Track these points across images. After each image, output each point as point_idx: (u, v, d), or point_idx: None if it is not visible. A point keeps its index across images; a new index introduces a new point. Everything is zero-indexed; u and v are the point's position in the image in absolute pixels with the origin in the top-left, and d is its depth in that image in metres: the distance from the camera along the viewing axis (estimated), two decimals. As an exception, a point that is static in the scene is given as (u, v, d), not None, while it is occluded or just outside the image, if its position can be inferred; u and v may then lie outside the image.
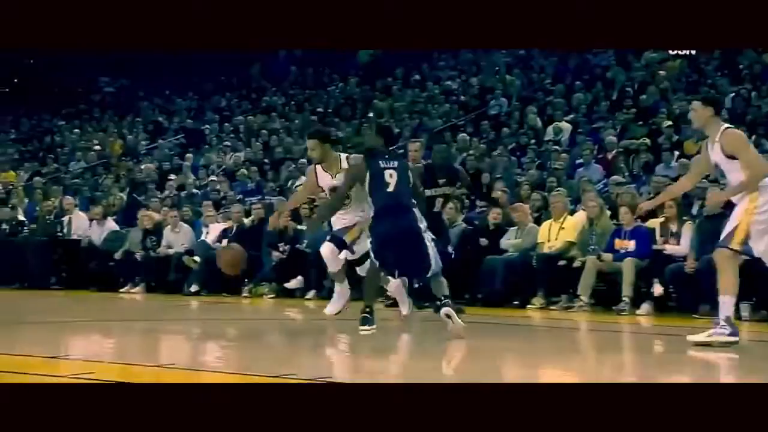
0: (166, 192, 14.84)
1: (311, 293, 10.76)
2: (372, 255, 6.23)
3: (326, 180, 6.61)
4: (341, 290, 6.77)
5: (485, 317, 8.42)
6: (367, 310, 6.16)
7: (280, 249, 11.20)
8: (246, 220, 11.91)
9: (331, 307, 6.80)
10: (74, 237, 13.20)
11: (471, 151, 13.75)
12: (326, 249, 6.57)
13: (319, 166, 6.64)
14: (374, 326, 6.12)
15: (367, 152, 6.66)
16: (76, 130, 21.91)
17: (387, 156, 6.50)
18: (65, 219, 13.51)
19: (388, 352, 5.88)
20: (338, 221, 6.65)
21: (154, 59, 22.04)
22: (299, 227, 11.42)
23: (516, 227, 10.00)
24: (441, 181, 7.86)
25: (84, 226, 13.30)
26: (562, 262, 9.33)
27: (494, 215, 10.19)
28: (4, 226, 13.88)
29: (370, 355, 5.86)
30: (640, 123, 13.68)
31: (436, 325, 6.36)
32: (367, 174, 6.22)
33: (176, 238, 12.15)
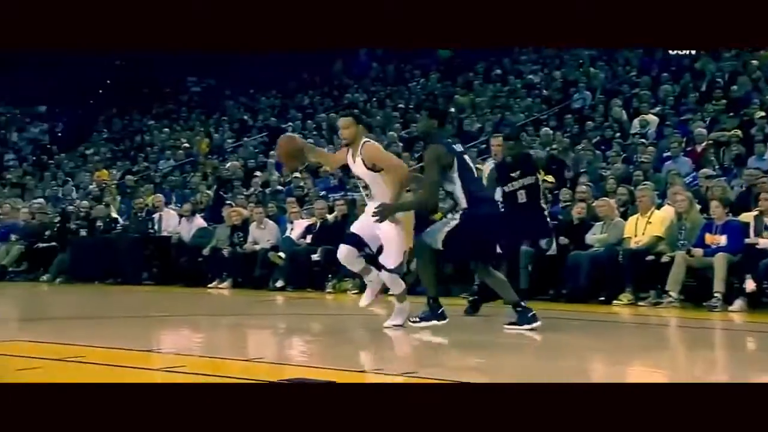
0: (252, 189, 15.10)
1: (394, 289, 10.81)
2: (444, 243, 6.06)
3: (349, 162, 6.30)
4: (376, 280, 6.42)
5: (570, 313, 8.30)
6: (435, 302, 6.25)
7: (363, 246, 11.26)
8: (329, 216, 12.01)
9: (364, 300, 6.55)
10: (164, 234, 13.54)
11: (554, 145, 13.56)
12: (344, 252, 6.36)
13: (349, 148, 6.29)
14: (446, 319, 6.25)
15: (427, 136, 6.53)
16: (166, 129, 22.51)
17: (451, 141, 6.42)
18: (156, 216, 13.88)
19: (469, 348, 5.83)
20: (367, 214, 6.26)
21: (239, 59, 22.45)
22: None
23: (601, 222, 9.81)
24: (515, 174, 7.70)
25: (174, 222, 13.65)
26: (649, 258, 9.10)
27: (578, 210, 10.03)
28: (99, 223, 14.34)
29: (452, 351, 5.85)
30: (731, 114, 13.23)
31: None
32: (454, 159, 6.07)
33: (262, 235, 12.35)
